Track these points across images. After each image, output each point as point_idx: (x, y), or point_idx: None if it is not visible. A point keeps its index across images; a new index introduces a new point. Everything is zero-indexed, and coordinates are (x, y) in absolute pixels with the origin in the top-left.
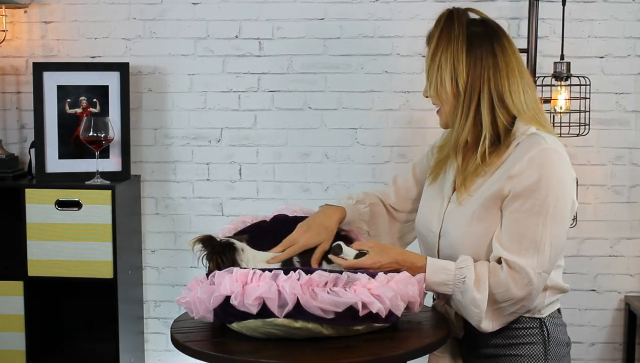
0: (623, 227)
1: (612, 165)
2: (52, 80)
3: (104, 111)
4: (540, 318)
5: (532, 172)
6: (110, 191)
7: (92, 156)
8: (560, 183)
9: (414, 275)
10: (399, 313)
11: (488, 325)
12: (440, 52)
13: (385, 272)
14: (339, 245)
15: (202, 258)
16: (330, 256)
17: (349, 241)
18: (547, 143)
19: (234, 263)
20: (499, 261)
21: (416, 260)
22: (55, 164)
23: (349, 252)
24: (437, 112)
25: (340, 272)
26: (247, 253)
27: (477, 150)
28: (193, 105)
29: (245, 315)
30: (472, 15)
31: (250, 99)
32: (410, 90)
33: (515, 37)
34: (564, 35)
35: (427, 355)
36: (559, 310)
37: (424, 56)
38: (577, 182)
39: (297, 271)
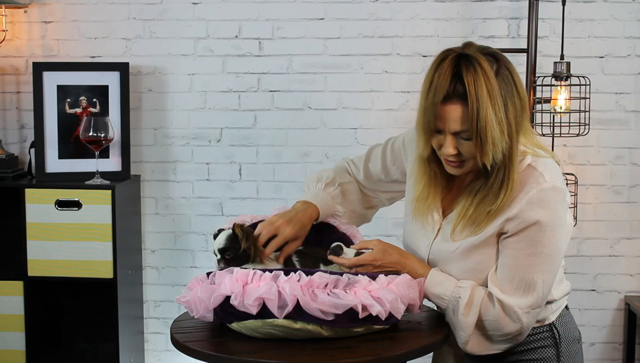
0: (623, 227)
1: (612, 165)
2: (52, 80)
3: (104, 111)
4: (549, 323)
5: (530, 214)
6: (110, 191)
7: (92, 156)
8: (558, 222)
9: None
10: (399, 315)
11: (474, 348)
12: (490, 108)
13: (386, 274)
14: (340, 246)
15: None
16: (331, 257)
17: (348, 241)
18: (545, 180)
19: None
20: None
21: (418, 267)
22: (55, 164)
23: (349, 252)
24: (454, 163)
25: (341, 274)
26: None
27: (489, 192)
28: (193, 105)
29: (245, 316)
30: (470, 51)
31: (250, 98)
32: (410, 90)
33: (515, 37)
34: (564, 35)
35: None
36: (566, 306)
37: (424, 56)
38: (577, 182)
39: (297, 272)
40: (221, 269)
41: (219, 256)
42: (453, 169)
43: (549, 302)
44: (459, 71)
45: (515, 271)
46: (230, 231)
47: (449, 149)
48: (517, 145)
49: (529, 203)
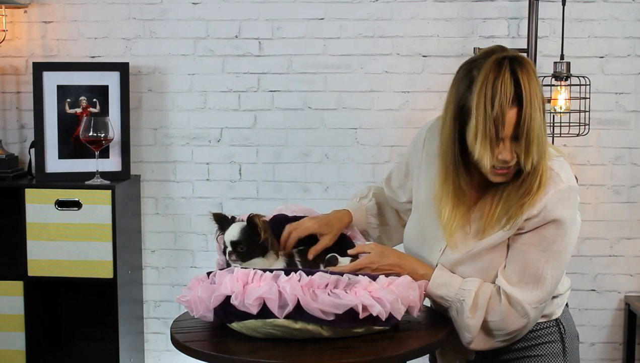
0: (623, 227)
1: (612, 165)
2: (52, 80)
3: (104, 111)
4: (556, 319)
5: (546, 214)
6: (110, 191)
7: (92, 156)
8: (572, 220)
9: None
10: (399, 316)
11: (478, 346)
12: (538, 110)
13: (387, 275)
14: (335, 256)
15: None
16: (327, 268)
17: (349, 242)
18: (561, 180)
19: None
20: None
21: (418, 267)
22: (55, 164)
23: (344, 261)
24: (503, 172)
25: (341, 274)
26: None
27: (521, 187)
28: (193, 105)
29: (245, 315)
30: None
31: (250, 99)
32: (410, 90)
33: (515, 37)
34: (564, 35)
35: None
36: (566, 304)
37: (424, 56)
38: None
39: (298, 272)
40: (232, 261)
41: (230, 249)
42: (501, 177)
43: (554, 297)
44: (515, 75)
45: (525, 266)
46: (244, 223)
47: (508, 154)
48: (546, 139)
49: (548, 203)
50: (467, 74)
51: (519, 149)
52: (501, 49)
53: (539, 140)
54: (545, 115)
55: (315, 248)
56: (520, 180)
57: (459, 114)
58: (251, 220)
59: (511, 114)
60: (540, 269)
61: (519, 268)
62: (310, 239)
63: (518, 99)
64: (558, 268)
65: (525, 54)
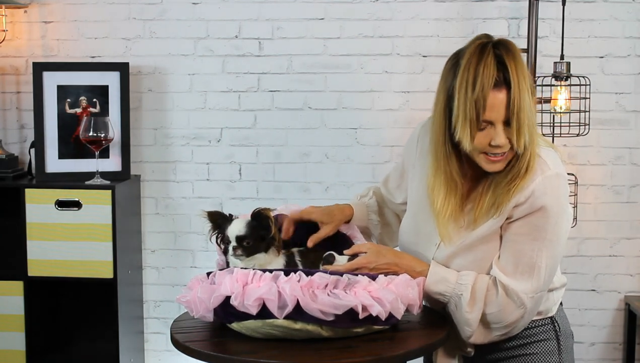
0: (623, 227)
1: (612, 165)
2: (52, 80)
3: (104, 111)
4: (551, 316)
5: (534, 201)
6: (110, 191)
7: (92, 156)
8: (561, 209)
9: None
10: (398, 316)
11: (478, 339)
12: (526, 92)
13: (385, 274)
14: (332, 254)
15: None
16: (325, 266)
17: (349, 241)
18: (548, 167)
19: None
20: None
21: (415, 265)
22: (55, 164)
23: (341, 259)
24: (498, 159)
25: (341, 275)
26: None
27: (508, 174)
28: (193, 105)
29: (245, 316)
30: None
31: (250, 98)
32: (410, 90)
33: (515, 37)
34: (564, 35)
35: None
36: (561, 302)
37: (424, 56)
38: (577, 182)
39: (297, 272)
40: (237, 256)
41: (235, 244)
42: (495, 165)
43: (549, 290)
44: (501, 58)
45: (519, 256)
46: (248, 218)
47: (502, 139)
48: (536, 125)
49: (534, 191)
50: (454, 64)
51: (511, 133)
52: (486, 36)
53: (529, 121)
54: (534, 98)
55: (316, 236)
56: (508, 167)
57: (447, 103)
58: (260, 213)
59: (500, 97)
60: (534, 258)
61: (513, 258)
62: (311, 234)
63: (505, 82)
64: (552, 258)
65: (525, 54)
